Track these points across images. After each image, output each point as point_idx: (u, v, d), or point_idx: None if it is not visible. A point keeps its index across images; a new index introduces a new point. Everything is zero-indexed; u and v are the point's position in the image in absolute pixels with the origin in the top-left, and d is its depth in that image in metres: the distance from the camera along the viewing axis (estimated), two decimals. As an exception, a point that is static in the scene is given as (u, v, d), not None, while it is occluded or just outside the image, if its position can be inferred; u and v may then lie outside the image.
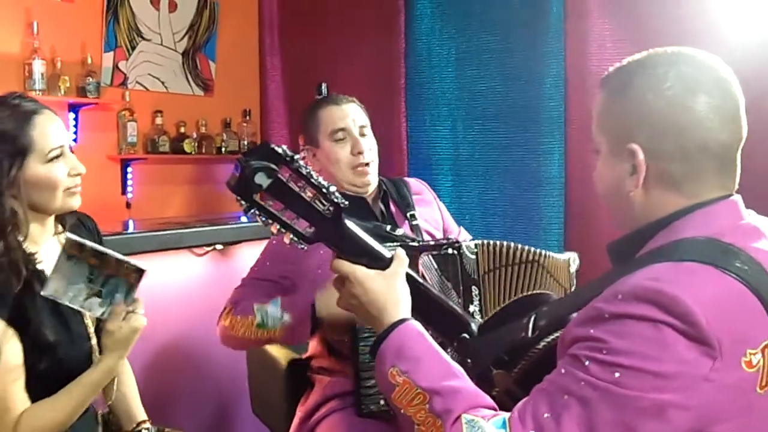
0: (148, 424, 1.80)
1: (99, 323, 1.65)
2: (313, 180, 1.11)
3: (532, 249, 1.83)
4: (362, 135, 2.06)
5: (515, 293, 1.77)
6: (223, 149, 3.56)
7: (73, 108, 2.98)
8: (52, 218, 1.65)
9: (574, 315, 1.07)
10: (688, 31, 2.53)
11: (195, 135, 3.43)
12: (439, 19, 3.20)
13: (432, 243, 1.85)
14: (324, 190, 1.11)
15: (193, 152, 3.39)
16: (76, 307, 1.54)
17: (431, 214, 2.19)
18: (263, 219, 1.11)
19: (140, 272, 1.55)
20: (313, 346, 2.05)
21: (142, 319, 1.58)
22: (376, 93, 3.09)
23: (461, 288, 1.79)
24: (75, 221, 1.75)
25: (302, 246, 1.15)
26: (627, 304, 0.97)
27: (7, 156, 1.50)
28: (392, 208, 2.10)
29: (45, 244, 1.63)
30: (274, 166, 1.08)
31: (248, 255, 2.47)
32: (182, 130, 3.40)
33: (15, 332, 1.48)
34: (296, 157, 1.10)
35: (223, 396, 2.65)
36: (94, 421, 1.70)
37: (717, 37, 2.43)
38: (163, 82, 3.37)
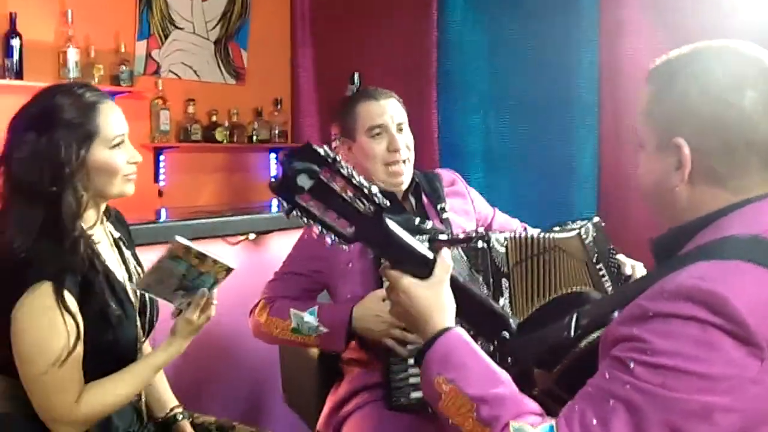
0: (181, 409, 1.83)
1: (142, 307, 1.70)
2: (354, 180, 1.10)
3: (545, 235, 1.82)
4: (399, 131, 2.04)
5: (542, 284, 1.76)
6: (255, 138, 3.57)
7: (107, 96, 3.00)
8: (104, 205, 1.70)
9: (616, 314, 1.06)
10: (725, 21, 2.49)
11: (227, 123, 3.44)
12: (471, 7, 3.16)
13: (462, 236, 1.84)
14: (365, 190, 1.10)
15: (224, 141, 3.41)
16: (158, 298, 1.63)
17: (463, 205, 2.17)
18: (305, 221, 1.10)
19: (229, 270, 1.62)
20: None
21: (213, 309, 1.64)
22: (407, 83, 3.07)
23: (491, 280, 1.78)
24: (115, 215, 1.79)
25: (344, 246, 1.14)
26: (672, 303, 0.95)
27: (76, 141, 1.55)
28: (424, 200, 2.09)
29: (96, 231, 1.67)
30: (316, 168, 1.08)
31: (281, 244, 2.48)
32: (214, 118, 3.41)
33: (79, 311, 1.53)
34: (338, 158, 1.09)
35: (255, 385, 2.66)
36: (130, 408, 1.72)
37: (759, 25, 2.39)
38: (195, 71, 3.39)
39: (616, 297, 1.14)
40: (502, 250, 1.77)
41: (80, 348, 1.49)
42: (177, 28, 3.30)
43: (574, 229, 1.89)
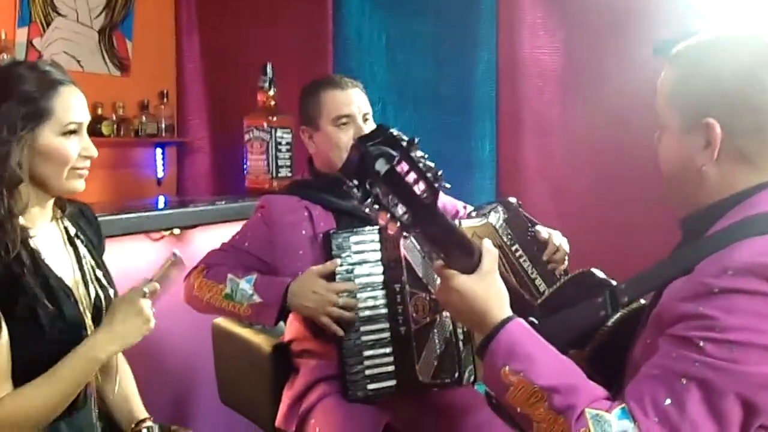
0: (149, 423, 1.70)
1: (94, 312, 1.59)
2: (421, 164, 1.08)
3: (465, 223, 1.92)
4: (365, 121, 2.05)
5: None
6: (141, 132, 3.42)
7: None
8: (51, 201, 1.57)
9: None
10: (619, 20, 2.67)
11: (113, 117, 3.28)
12: (369, 2, 3.18)
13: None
14: (429, 175, 1.08)
15: (111, 135, 3.24)
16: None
17: None
18: (377, 208, 1.07)
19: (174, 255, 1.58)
20: (295, 328, 2.04)
21: (148, 309, 1.53)
22: (302, 76, 3.06)
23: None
24: (76, 210, 1.67)
25: (405, 235, 1.12)
26: (738, 278, 1.00)
27: (23, 116, 1.44)
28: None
29: (42, 228, 1.56)
30: (393, 152, 1.05)
31: (204, 239, 2.41)
32: (99, 111, 3.23)
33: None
34: (415, 140, 1.08)
35: (182, 387, 2.57)
36: (92, 418, 1.62)
37: (648, 24, 2.57)
38: (78, 61, 3.20)
39: (653, 275, 1.19)
40: None
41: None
42: (60, 15, 3.10)
43: (484, 215, 1.99)
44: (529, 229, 1.99)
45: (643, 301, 1.25)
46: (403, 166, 1.06)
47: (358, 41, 3.19)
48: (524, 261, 1.97)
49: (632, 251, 2.15)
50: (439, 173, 1.09)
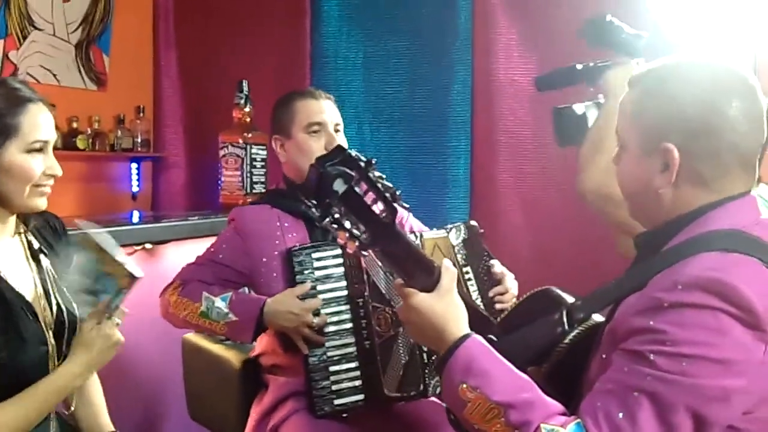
0: None
1: (57, 328, 1.57)
2: (379, 185, 1.10)
3: (426, 234, 1.97)
4: (336, 131, 2.07)
5: None
6: (116, 146, 3.41)
7: (-40, 99, 2.76)
8: (14, 217, 1.56)
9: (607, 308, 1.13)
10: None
11: (89, 131, 3.27)
12: (346, 21, 3.22)
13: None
14: (388, 195, 1.10)
15: (87, 149, 3.23)
16: (68, 294, 1.55)
17: None
18: (335, 227, 1.09)
19: (133, 278, 1.51)
20: (265, 342, 2.04)
21: (115, 330, 1.54)
22: (278, 94, 3.08)
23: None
24: (42, 222, 1.66)
25: (365, 254, 1.14)
26: (687, 293, 1.03)
27: None
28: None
29: (2, 242, 1.55)
30: (351, 172, 1.07)
31: (177, 255, 2.41)
32: (74, 125, 3.22)
33: None
34: (372, 161, 1.10)
35: (152, 401, 2.56)
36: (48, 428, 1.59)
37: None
38: (55, 75, 3.19)
39: (608, 291, 1.21)
40: None
41: None
42: (36, 29, 3.09)
43: (445, 230, 2.02)
44: (484, 259, 2.02)
45: (600, 319, 1.26)
46: (362, 186, 1.09)
47: (335, 59, 3.22)
48: (471, 286, 2.00)
49: (602, 268, 2.17)
50: (398, 193, 1.12)
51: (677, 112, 1.15)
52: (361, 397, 1.89)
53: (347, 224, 1.10)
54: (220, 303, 1.91)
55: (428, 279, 1.22)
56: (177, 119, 3.60)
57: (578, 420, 1.06)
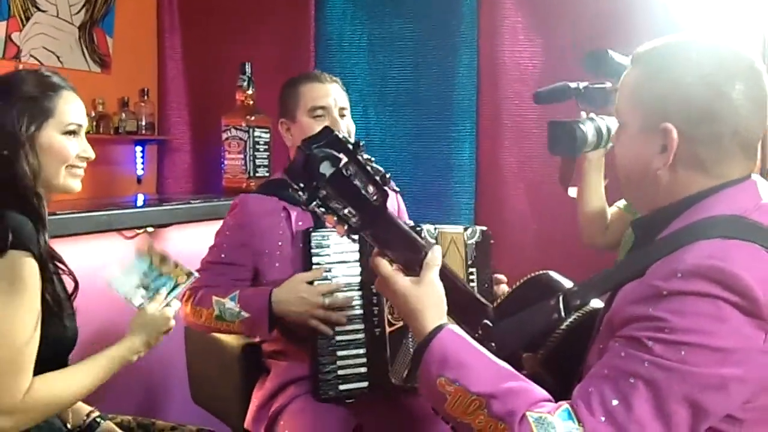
0: (97, 413, 1.76)
1: None
2: (369, 167, 1.08)
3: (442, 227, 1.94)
4: (342, 116, 2.05)
5: None
6: (121, 129, 3.40)
7: (-37, 81, 2.75)
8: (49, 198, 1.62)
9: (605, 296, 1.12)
10: (600, 24, 2.69)
11: (93, 114, 3.26)
12: (351, 3, 3.20)
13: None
14: (378, 178, 1.09)
15: (90, 131, 3.21)
16: (121, 294, 1.65)
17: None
18: (322, 210, 1.08)
19: (190, 275, 1.69)
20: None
21: (172, 316, 1.66)
22: (283, 77, 3.07)
23: None
24: None
25: (353, 237, 1.13)
26: (687, 281, 1.01)
27: (29, 115, 1.53)
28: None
29: None
30: (338, 155, 1.06)
31: (179, 238, 2.41)
32: (79, 108, 3.22)
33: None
34: (361, 143, 1.09)
35: (155, 383, 2.56)
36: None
37: (627, 32, 2.59)
38: (58, 57, 3.17)
39: (606, 278, 1.19)
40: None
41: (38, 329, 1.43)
42: (40, 10, 3.07)
43: (463, 227, 1.99)
44: (489, 269, 1.99)
45: (599, 305, 1.25)
46: (351, 169, 1.07)
47: (340, 42, 3.20)
48: (473, 287, 1.97)
49: (606, 253, 2.17)
50: (387, 176, 1.11)
51: (680, 93, 1.12)
52: (365, 383, 1.88)
53: (335, 208, 1.08)
54: (230, 303, 1.91)
55: (414, 264, 1.21)
56: (182, 102, 3.59)
57: (567, 406, 1.04)
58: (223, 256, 2.02)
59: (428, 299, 1.19)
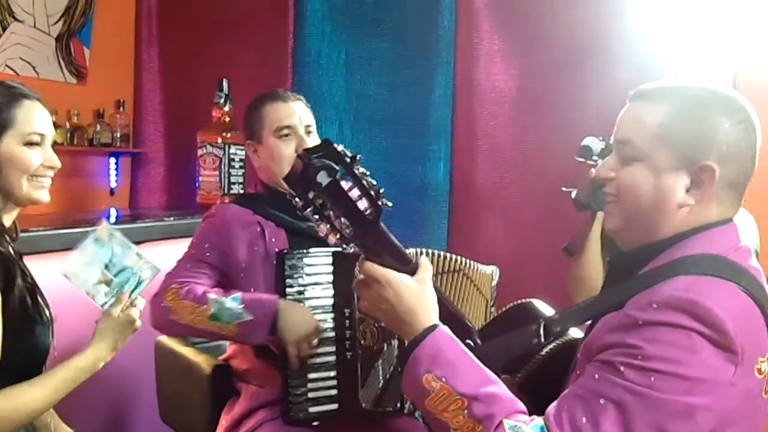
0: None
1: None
2: (364, 181, 1.11)
3: (459, 258, 1.91)
4: (308, 134, 2.05)
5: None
6: (95, 141, 3.39)
7: (-63, 91, 2.73)
8: (16, 212, 1.62)
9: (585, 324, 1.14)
10: (574, 52, 2.72)
11: (68, 125, 3.25)
12: (329, 21, 3.20)
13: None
14: (372, 192, 1.12)
15: (65, 143, 3.21)
16: (82, 290, 1.60)
17: None
18: (316, 218, 1.11)
19: (155, 270, 1.65)
20: (234, 346, 2.02)
21: (137, 317, 1.63)
22: (260, 92, 3.08)
23: None
24: None
25: (346, 248, 1.15)
26: (661, 312, 1.05)
27: None
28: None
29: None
30: (335, 166, 1.09)
31: (152, 255, 2.39)
32: (53, 119, 3.18)
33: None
34: (358, 157, 1.11)
35: (123, 401, 2.54)
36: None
37: (602, 57, 2.63)
38: (34, 67, 3.16)
39: (583, 309, 1.23)
40: None
41: None
42: (17, 20, 3.06)
43: (489, 265, 1.99)
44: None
45: (579, 335, 1.28)
46: (347, 181, 1.12)
47: (317, 60, 3.21)
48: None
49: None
50: (381, 191, 1.14)
51: (716, 134, 1.16)
52: (335, 406, 1.87)
53: (329, 216, 1.12)
54: (231, 303, 1.85)
55: (405, 270, 1.22)
56: (157, 115, 3.59)
57: (540, 421, 1.08)
58: (207, 255, 1.98)
59: (424, 298, 1.22)
